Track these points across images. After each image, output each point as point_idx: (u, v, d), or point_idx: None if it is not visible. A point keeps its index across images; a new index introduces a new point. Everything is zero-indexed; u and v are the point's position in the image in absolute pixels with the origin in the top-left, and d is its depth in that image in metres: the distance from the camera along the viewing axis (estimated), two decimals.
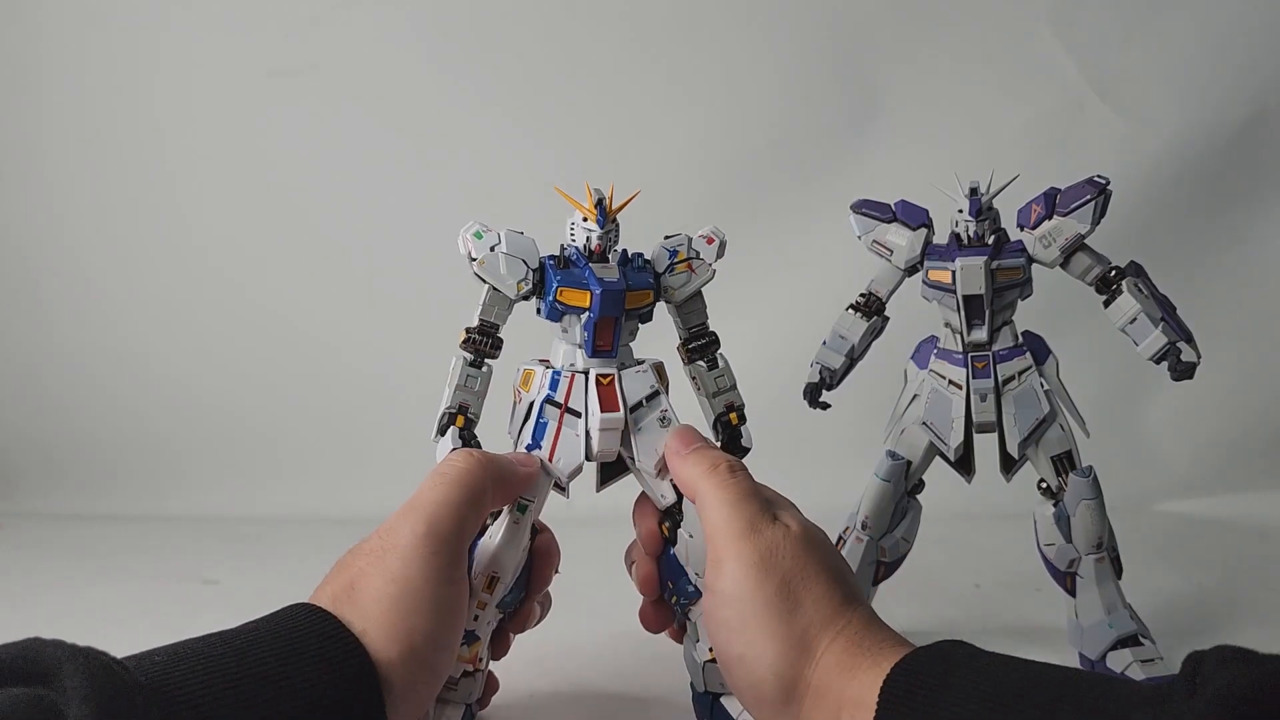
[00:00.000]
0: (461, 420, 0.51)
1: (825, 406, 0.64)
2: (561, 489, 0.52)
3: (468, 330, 0.52)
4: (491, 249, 0.51)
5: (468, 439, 0.51)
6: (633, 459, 0.51)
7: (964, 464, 0.63)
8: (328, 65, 1.17)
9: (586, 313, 0.50)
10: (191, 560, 0.91)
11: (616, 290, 0.50)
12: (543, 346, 0.54)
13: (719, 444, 0.54)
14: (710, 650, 0.52)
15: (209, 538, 1.00)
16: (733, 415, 0.54)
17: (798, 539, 0.45)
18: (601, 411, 0.50)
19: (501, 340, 0.52)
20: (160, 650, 0.38)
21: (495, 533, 0.51)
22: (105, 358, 1.20)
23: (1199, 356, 0.59)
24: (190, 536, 1.01)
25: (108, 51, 1.18)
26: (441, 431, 0.51)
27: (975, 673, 0.39)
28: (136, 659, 0.37)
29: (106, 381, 1.20)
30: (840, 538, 0.66)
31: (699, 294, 0.54)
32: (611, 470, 0.54)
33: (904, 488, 0.64)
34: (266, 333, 1.19)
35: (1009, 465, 0.62)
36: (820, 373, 0.64)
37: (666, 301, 0.54)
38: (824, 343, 0.64)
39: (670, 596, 0.53)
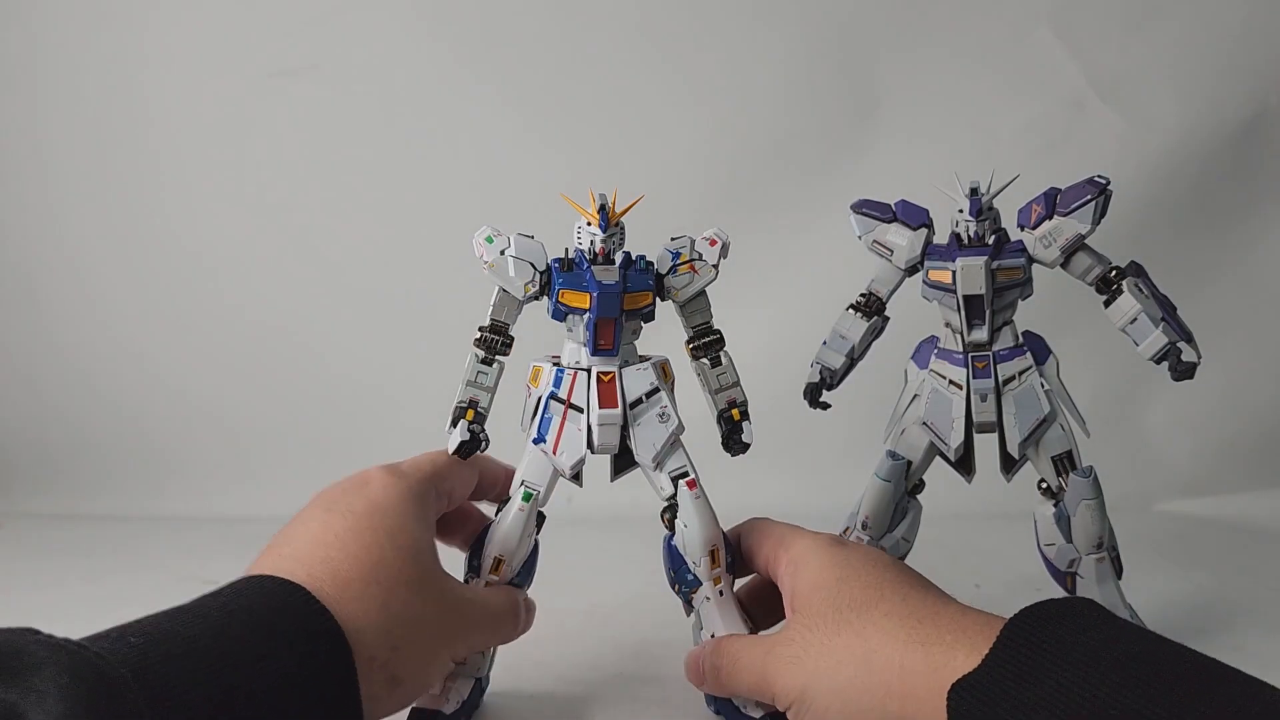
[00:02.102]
0: (471, 414, 0.53)
1: (825, 406, 0.64)
2: (575, 479, 0.54)
3: (480, 329, 0.54)
4: (501, 252, 0.54)
5: (475, 432, 0.53)
6: (633, 453, 0.54)
7: (964, 464, 0.62)
8: (328, 66, 1.17)
9: (587, 313, 0.52)
10: (191, 560, 0.91)
11: (613, 292, 0.52)
12: (559, 344, 0.56)
13: (721, 438, 0.56)
14: (713, 635, 0.55)
15: (209, 538, 1.00)
16: (735, 411, 0.56)
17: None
18: (600, 408, 0.53)
19: (512, 339, 0.55)
20: (134, 630, 0.38)
21: (503, 518, 0.54)
22: (104, 357, 1.20)
23: (1199, 357, 0.58)
24: (190, 536, 1.01)
25: (105, 50, 1.18)
26: (453, 424, 0.53)
27: (1093, 646, 0.38)
28: (111, 643, 0.36)
29: (105, 381, 1.20)
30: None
31: (703, 294, 0.56)
32: (624, 462, 0.56)
33: (904, 488, 0.64)
34: (267, 333, 1.19)
35: (1009, 465, 0.62)
36: (820, 372, 0.64)
37: (671, 301, 0.55)
38: (824, 342, 0.64)
39: (673, 585, 0.55)
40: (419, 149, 1.18)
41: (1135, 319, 0.59)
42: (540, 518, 0.55)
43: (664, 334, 0.57)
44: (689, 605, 0.56)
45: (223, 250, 1.20)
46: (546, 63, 1.16)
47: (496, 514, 0.55)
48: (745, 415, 0.56)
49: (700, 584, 0.54)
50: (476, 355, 0.54)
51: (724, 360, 0.56)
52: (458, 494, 0.54)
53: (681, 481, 0.54)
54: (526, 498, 0.54)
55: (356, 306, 1.19)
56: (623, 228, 0.54)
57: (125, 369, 1.20)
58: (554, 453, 0.53)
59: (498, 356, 0.54)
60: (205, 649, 0.37)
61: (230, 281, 1.20)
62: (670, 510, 0.55)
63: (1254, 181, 1.12)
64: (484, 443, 0.54)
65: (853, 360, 0.64)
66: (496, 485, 0.56)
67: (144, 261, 1.21)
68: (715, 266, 0.55)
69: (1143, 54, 1.12)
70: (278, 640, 0.39)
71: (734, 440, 0.56)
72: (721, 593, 0.55)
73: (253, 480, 1.15)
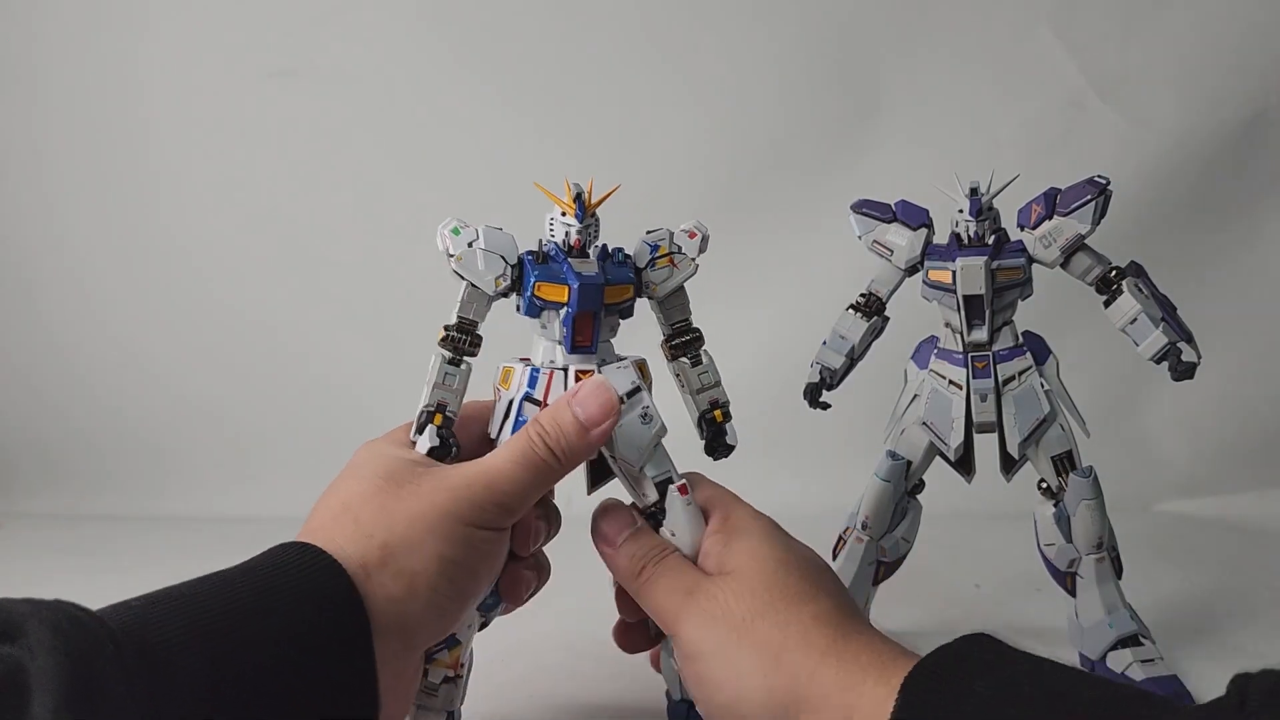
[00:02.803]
0: (440, 419, 0.50)
1: (825, 406, 0.64)
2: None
3: (446, 328, 0.51)
4: (469, 245, 0.50)
5: (445, 437, 0.49)
6: (614, 457, 0.51)
7: (964, 464, 0.62)
8: (326, 66, 1.17)
9: (565, 308, 0.50)
10: (192, 560, 0.91)
11: (594, 284, 0.49)
12: (522, 345, 0.53)
13: (704, 441, 0.54)
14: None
15: (209, 538, 1.00)
16: (717, 412, 0.54)
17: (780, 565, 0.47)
18: None
19: (480, 338, 0.51)
20: (140, 596, 0.38)
21: None
22: (104, 357, 1.20)
23: (1199, 356, 0.59)
24: (190, 536, 1.01)
25: (104, 50, 1.18)
26: (420, 430, 0.50)
27: (1004, 678, 0.38)
28: (113, 608, 0.37)
29: (105, 381, 1.20)
30: (840, 538, 0.66)
31: (682, 289, 0.53)
32: (601, 472, 0.53)
33: (904, 488, 0.64)
34: (266, 333, 1.19)
35: (1009, 465, 0.62)
36: (820, 372, 0.64)
37: (648, 297, 0.53)
38: (824, 343, 0.64)
39: None
40: (419, 149, 1.18)
41: (1135, 319, 0.59)
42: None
43: (639, 336, 0.55)
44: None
45: (223, 251, 1.20)
46: (547, 62, 1.16)
47: None
48: (728, 416, 0.54)
49: None
50: (443, 356, 0.50)
51: (704, 359, 0.54)
52: (465, 439, 0.51)
53: (671, 488, 0.51)
54: None
55: (357, 307, 1.19)
56: (598, 219, 0.51)
57: (125, 369, 1.20)
58: None
59: (465, 357, 0.50)
60: (204, 606, 0.38)
61: (231, 282, 1.20)
62: (654, 517, 0.51)
63: (1254, 181, 1.12)
64: (455, 448, 0.50)
65: (853, 360, 0.64)
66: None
67: (143, 262, 1.21)
68: (694, 260, 0.53)
69: (1143, 54, 1.12)
70: (278, 592, 0.39)
71: (719, 444, 0.54)
72: None
73: (252, 480, 1.14)
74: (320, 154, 1.19)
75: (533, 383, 0.50)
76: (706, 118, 1.16)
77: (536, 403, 0.50)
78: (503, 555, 0.48)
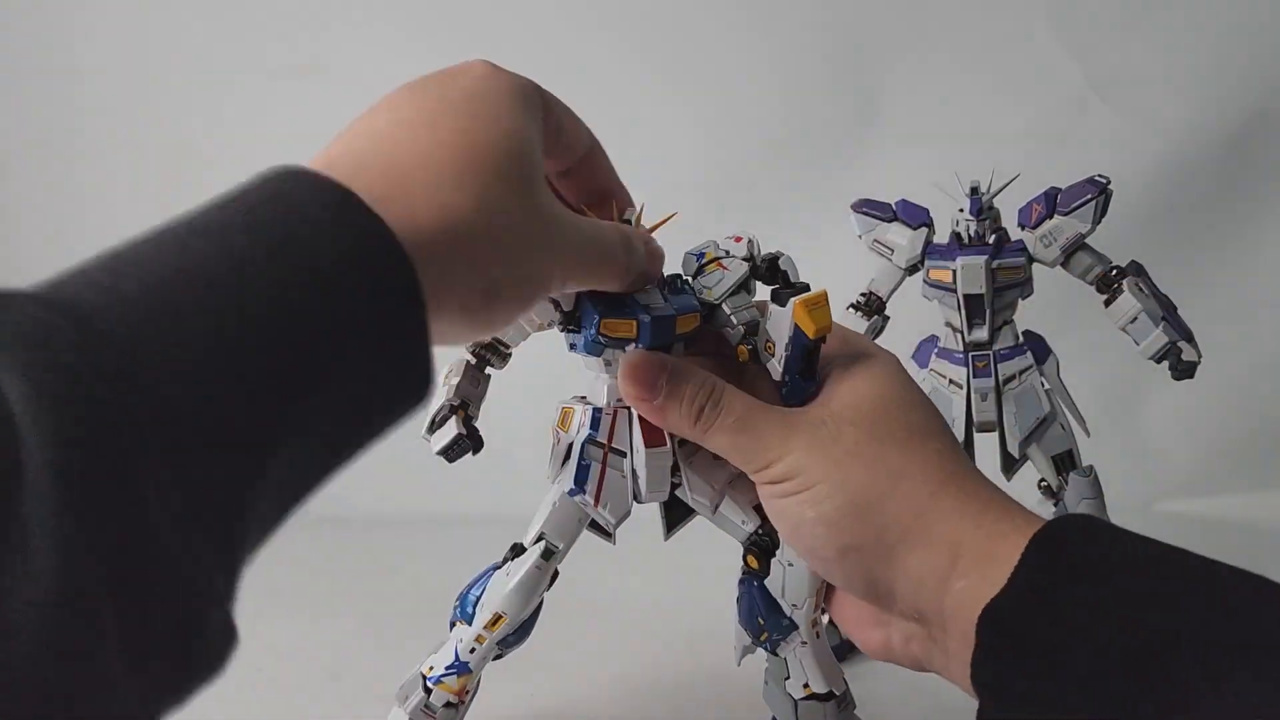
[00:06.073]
0: (463, 414, 0.47)
1: None
2: (607, 535, 0.48)
3: (477, 343, 0.49)
4: None
5: (472, 430, 0.47)
6: (688, 496, 0.47)
7: None
8: (333, 65, 1.17)
9: (632, 344, 0.44)
10: None
11: (666, 316, 0.44)
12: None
13: None
14: (806, 686, 0.48)
15: None
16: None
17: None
18: (646, 447, 0.46)
19: (510, 353, 0.49)
20: (106, 263, 0.28)
21: (515, 572, 0.47)
22: None
23: (1199, 356, 0.59)
24: None
25: (112, 48, 1.18)
26: (438, 424, 0.47)
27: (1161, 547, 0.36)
28: (72, 279, 0.27)
29: None
30: None
31: (741, 290, 0.48)
32: (678, 513, 0.49)
33: None
34: None
35: (1009, 465, 0.62)
36: None
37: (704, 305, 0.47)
38: None
39: (758, 635, 0.48)
40: None
41: (1135, 318, 0.59)
42: (553, 575, 0.48)
43: None
44: (774, 653, 0.49)
45: None
46: (544, 64, 1.15)
47: (502, 564, 0.48)
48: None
49: (796, 628, 0.47)
50: (469, 361, 0.49)
51: None
52: (568, 141, 0.44)
53: None
54: (547, 555, 0.47)
55: None
56: None
57: None
58: (596, 505, 0.46)
59: (491, 365, 0.49)
60: (204, 274, 0.27)
61: None
62: (759, 545, 0.47)
63: (1254, 181, 1.12)
64: (479, 444, 0.47)
65: None
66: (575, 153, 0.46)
67: None
68: (746, 260, 0.49)
69: (1143, 54, 1.12)
70: (292, 229, 0.28)
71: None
72: (819, 634, 0.48)
73: None
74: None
75: (595, 424, 0.46)
76: (705, 118, 1.16)
77: (600, 445, 0.46)
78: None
